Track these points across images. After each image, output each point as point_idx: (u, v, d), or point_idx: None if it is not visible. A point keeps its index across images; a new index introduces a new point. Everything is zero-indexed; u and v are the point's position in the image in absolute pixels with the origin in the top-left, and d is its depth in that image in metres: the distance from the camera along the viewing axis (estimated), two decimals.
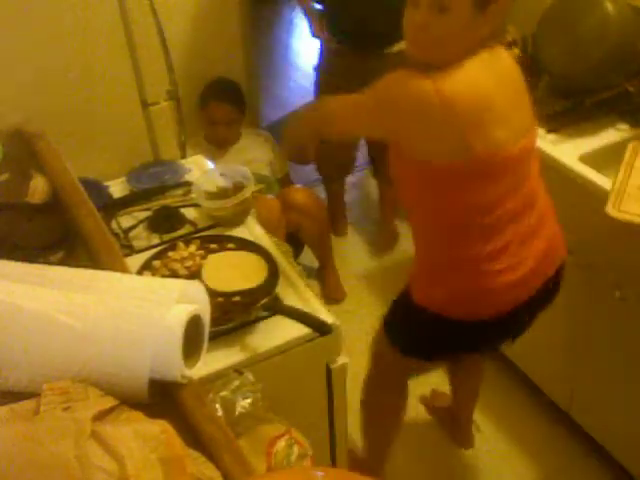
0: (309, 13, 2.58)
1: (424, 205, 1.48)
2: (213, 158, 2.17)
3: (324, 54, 2.59)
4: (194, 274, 1.49)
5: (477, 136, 1.31)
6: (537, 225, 1.49)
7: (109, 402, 0.78)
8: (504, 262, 1.45)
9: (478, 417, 2.27)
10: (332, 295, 2.72)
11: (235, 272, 1.50)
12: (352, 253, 2.95)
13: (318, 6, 2.58)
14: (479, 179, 1.36)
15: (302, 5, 2.59)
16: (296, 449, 1.07)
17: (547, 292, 1.60)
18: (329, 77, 2.55)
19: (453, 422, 2.21)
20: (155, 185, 1.88)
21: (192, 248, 1.58)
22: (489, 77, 1.34)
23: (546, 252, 1.52)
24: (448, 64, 1.30)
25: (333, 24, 2.49)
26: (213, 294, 1.40)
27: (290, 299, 1.46)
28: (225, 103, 2.33)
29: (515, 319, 1.58)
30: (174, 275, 1.49)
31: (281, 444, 1.07)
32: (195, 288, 0.91)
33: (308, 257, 2.72)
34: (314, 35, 2.60)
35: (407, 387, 1.90)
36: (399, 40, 2.23)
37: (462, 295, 1.51)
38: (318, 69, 2.64)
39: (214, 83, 2.31)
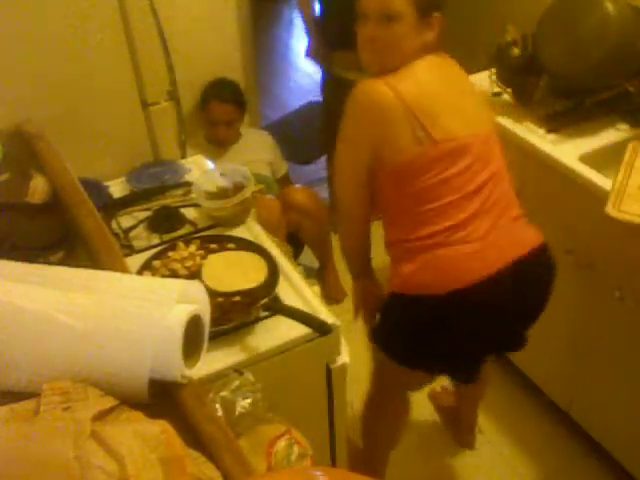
0: (310, 30, 2.68)
1: (391, 202, 1.60)
2: (213, 158, 2.17)
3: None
4: (194, 274, 1.49)
5: (434, 125, 1.46)
6: (496, 205, 1.54)
7: (109, 402, 0.78)
8: (458, 235, 1.50)
9: (479, 417, 2.27)
10: (332, 295, 2.72)
11: (235, 272, 1.50)
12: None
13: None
14: (441, 164, 1.48)
15: (305, 19, 2.68)
16: (296, 449, 1.07)
17: (529, 283, 1.58)
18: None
19: (456, 422, 2.21)
20: (155, 185, 1.89)
21: (192, 248, 1.58)
22: (435, 76, 1.53)
23: (505, 232, 1.54)
24: (398, 68, 1.49)
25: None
26: (213, 294, 1.40)
27: (290, 299, 1.46)
28: (226, 103, 2.33)
29: (492, 302, 1.54)
30: (174, 275, 1.49)
31: (281, 444, 1.07)
32: (195, 288, 0.91)
33: (308, 257, 2.72)
34: (308, 55, 2.74)
35: (408, 406, 1.91)
36: None
37: (429, 265, 1.52)
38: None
39: (214, 84, 2.31)
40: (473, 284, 1.48)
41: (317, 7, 2.69)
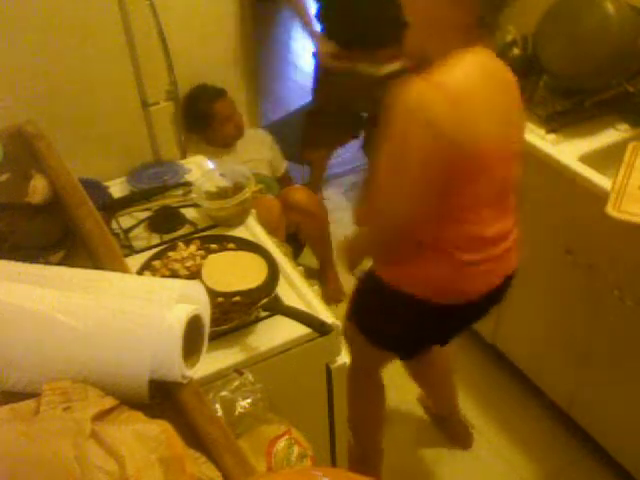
0: (312, 33, 2.68)
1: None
2: (214, 159, 2.17)
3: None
4: (194, 274, 1.49)
5: (481, 126, 1.31)
6: (510, 228, 1.53)
7: (109, 402, 0.77)
8: (474, 255, 1.47)
9: (479, 417, 2.27)
10: (332, 295, 2.72)
11: (235, 272, 1.50)
12: None
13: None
14: (472, 174, 1.36)
15: (304, 25, 2.67)
16: (296, 449, 1.07)
17: (499, 299, 1.66)
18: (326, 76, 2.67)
19: (444, 422, 2.23)
20: (155, 185, 1.89)
21: (192, 248, 1.58)
22: (484, 82, 1.34)
23: (509, 254, 1.55)
24: (440, 56, 1.28)
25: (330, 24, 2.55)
26: (213, 294, 1.40)
27: (290, 299, 1.46)
28: (219, 96, 2.33)
29: (472, 312, 1.65)
30: (174, 275, 1.49)
31: (281, 444, 1.07)
32: (195, 288, 0.91)
33: (308, 257, 2.72)
34: (316, 57, 2.73)
35: (382, 388, 1.94)
36: (390, 42, 2.31)
37: (432, 277, 1.51)
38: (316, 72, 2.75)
39: (196, 95, 2.28)
40: (460, 303, 1.54)
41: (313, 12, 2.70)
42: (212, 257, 1.54)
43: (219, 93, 2.32)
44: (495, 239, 1.49)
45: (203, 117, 2.31)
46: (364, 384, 1.87)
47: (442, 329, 1.71)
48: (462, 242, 1.45)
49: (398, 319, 1.61)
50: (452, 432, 2.22)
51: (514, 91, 1.42)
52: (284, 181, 2.69)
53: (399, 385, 2.24)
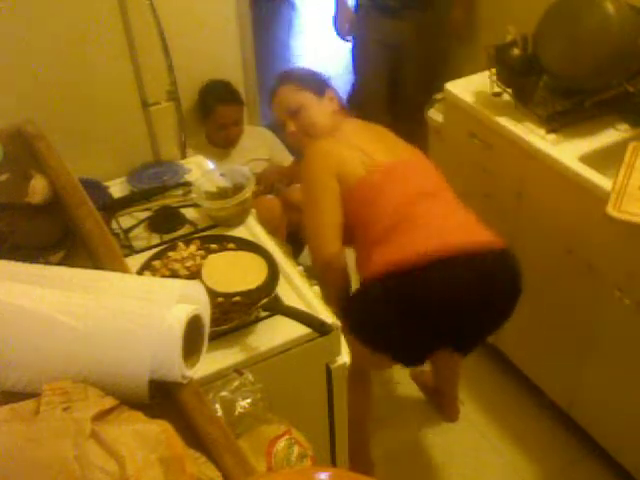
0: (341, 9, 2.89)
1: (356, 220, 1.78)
2: (215, 160, 2.17)
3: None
4: (194, 274, 1.49)
5: (359, 159, 1.75)
6: (433, 206, 1.70)
7: (109, 402, 0.77)
8: (397, 228, 1.66)
9: (478, 417, 2.27)
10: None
11: (235, 272, 1.50)
12: (352, 253, 2.94)
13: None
14: (380, 183, 1.73)
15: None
16: (296, 449, 1.07)
17: (492, 286, 1.62)
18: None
19: (439, 398, 2.29)
20: (155, 185, 1.88)
21: (192, 248, 1.58)
22: (348, 131, 1.86)
23: (446, 227, 1.66)
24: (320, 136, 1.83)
25: None
26: (213, 294, 1.40)
27: (290, 299, 1.46)
28: (229, 104, 2.33)
29: (450, 295, 1.58)
30: (174, 275, 1.49)
31: (281, 444, 1.07)
32: (195, 288, 0.91)
33: (308, 257, 2.72)
34: (336, 26, 2.93)
35: (370, 388, 2.00)
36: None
37: (388, 248, 1.64)
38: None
39: (211, 88, 2.29)
40: (430, 260, 1.54)
41: None
42: (212, 257, 1.54)
43: (231, 99, 2.32)
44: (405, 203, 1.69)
45: (205, 108, 2.32)
46: (351, 383, 1.88)
47: (424, 325, 1.64)
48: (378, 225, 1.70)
49: (379, 315, 1.62)
50: (442, 406, 2.28)
51: (379, 131, 1.93)
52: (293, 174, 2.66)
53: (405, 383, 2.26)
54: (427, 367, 2.28)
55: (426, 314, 1.60)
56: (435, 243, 1.59)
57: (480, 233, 1.65)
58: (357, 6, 2.92)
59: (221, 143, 2.44)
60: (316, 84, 1.93)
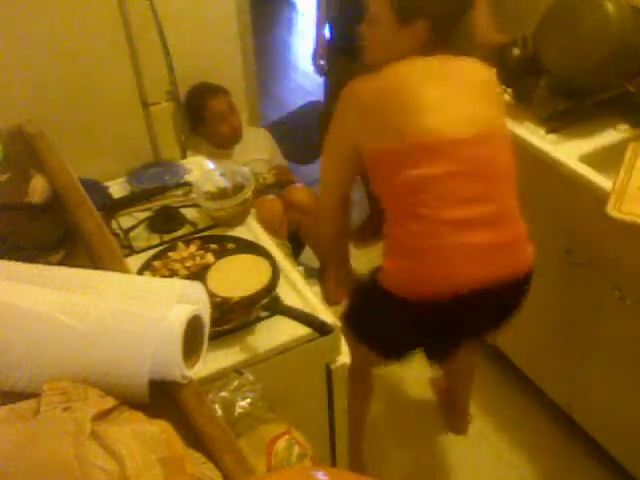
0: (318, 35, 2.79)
1: (377, 190, 1.59)
2: (214, 159, 2.17)
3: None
4: (194, 274, 1.49)
5: (405, 120, 1.45)
6: (487, 221, 1.48)
7: (109, 402, 0.77)
8: (428, 244, 1.47)
9: (479, 417, 2.27)
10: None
11: (239, 277, 1.49)
12: (352, 253, 2.95)
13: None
14: (413, 159, 1.46)
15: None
16: (296, 449, 1.07)
17: (500, 302, 1.58)
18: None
19: (449, 408, 2.26)
20: (155, 185, 1.89)
21: (192, 248, 1.58)
22: (414, 74, 1.50)
23: (492, 252, 1.48)
24: (383, 66, 1.50)
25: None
26: (213, 294, 1.40)
27: (290, 299, 1.46)
28: (218, 94, 2.33)
29: (456, 316, 1.55)
30: (174, 275, 1.49)
31: (281, 444, 1.07)
32: (195, 288, 0.91)
33: (308, 257, 2.72)
34: (313, 61, 2.83)
35: (371, 387, 1.97)
36: None
37: (402, 270, 1.53)
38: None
39: (194, 91, 2.30)
40: (443, 299, 1.48)
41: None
42: (219, 262, 1.54)
43: (216, 90, 2.32)
44: (455, 224, 1.45)
45: (197, 111, 2.32)
46: (352, 381, 1.88)
47: (426, 331, 1.64)
48: (413, 224, 1.49)
49: (381, 317, 1.61)
50: (451, 417, 2.25)
51: (475, 83, 1.55)
52: (284, 180, 2.68)
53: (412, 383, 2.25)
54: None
55: (435, 331, 1.61)
56: (470, 277, 1.47)
57: (519, 260, 1.54)
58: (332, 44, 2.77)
59: (227, 135, 2.42)
60: (406, 4, 1.49)
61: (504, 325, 1.68)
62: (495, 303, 1.56)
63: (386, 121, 1.48)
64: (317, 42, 2.82)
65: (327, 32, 2.76)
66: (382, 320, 1.62)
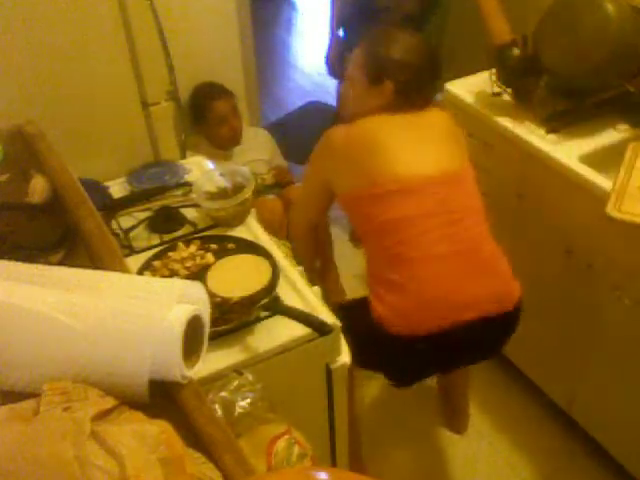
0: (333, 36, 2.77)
1: (358, 231, 1.76)
2: (214, 159, 2.17)
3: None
4: (194, 274, 1.49)
5: (374, 165, 1.60)
6: (462, 253, 1.59)
7: (109, 402, 0.77)
8: (408, 284, 1.57)
9: (478, 417, 2.27)
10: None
11: (239, 277, 1.49)
12: (352, 253, 2.95)
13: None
14: (385, 203, 1.58)
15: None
16: (296, 449, 1.07)
17: (488, 337, 1.67)
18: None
19: (450, 407, 2.25)
20: (155, 185, 1.88)
21: (192, 248, 1.58)
22: (384, 126, 1.67)
23: (473, 292, 1.58)
24: (357, 119, 1.68)
25: None
26: (213, 294, 1.40)
27: (290, 299, 1.46)
28: (222, 96, 2.33)
29: (444, 349, 1.64)
30: (174, 275, 1.49)
31: (281, 444, 1.07)
32: (195, 288, 0.91)
33: None
34: (327, 62, 2.79)
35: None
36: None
37: (393, 310, 1.59)
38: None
39: (199, 90, 2.29)
40: (433, 332, 1.56)
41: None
42: (219, 262, 1.54)
43: (220, 92, 2.32)
44: (431, 260, 1.57)
45: (200, 110, 2.32)
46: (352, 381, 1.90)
47: (424, 363, 1.73)
48: (391, 267, 1.60)
49: (371, 348, 1.64)
50: (450, 416, 2.25)
51: (437, 129, 1.72)
52: (284, 180, 2.68)
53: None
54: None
55: (427, 361, 1.70)
56: (466, 316, 1.57)
57: (503, 299, 1.61)
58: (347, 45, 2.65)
59: (227, 137, 2.42)
60: (375, 69, 1.69)
61: (495, 354, 1.78)
62: (480, 337, 1.64)
63: (356, 167, 1.62)
64: (331, 44, 2.76)
65: (341, 33, 2.72)
66: (384, 358, 1.69)
